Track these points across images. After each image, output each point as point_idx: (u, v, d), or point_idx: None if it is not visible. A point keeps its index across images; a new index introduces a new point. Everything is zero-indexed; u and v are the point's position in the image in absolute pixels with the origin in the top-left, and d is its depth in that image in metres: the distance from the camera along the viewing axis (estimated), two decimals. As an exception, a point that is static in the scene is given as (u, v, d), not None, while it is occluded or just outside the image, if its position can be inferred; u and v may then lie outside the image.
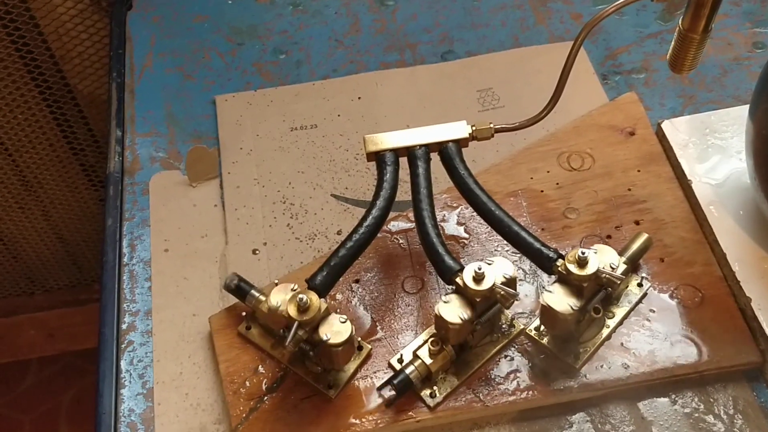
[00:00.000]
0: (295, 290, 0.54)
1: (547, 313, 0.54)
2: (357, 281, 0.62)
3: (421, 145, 0.60)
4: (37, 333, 1.38)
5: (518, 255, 0.61)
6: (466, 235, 0.64)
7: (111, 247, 0.67)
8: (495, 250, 0.63)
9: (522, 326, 0.58)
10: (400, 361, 0.57)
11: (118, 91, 0.78)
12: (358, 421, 0.55)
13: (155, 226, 0.68)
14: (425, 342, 0.56)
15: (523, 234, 0.56)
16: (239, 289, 0.58)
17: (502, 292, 0.52)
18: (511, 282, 0.54)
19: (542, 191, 0.66)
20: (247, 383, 0.57)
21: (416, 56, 0.79)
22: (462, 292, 0.53)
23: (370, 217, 0.57)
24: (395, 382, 0.54)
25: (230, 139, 0.73)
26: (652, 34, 0.79)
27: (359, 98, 0.76)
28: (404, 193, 0.63)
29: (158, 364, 0.60)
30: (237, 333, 0.59)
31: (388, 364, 0.58)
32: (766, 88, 0.55)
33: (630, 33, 0.79)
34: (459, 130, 0.61)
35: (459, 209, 0.65)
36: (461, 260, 0.55)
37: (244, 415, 0.56)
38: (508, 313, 0.59)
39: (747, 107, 0.58)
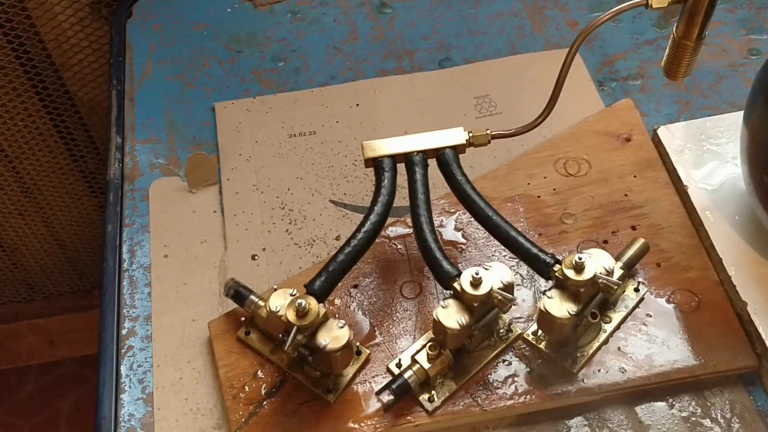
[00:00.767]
0: (294, 295, 0.54)
1: (544, 318, 0.54)
2: (356, 286, 0.62)
3: (418, 152, 0.60)
4: (37, 340, 1.38)
5: (515, 260, 0.62)
6: (464, 241, 0.64)
7: (111, 252, 0.67)
8: (492, 256, 0.63)
9: (520, 331, 0.59)
10: (399, 365, 0.57)
11: (118, 98, 0.78)
12: (356, 426, 0.55)
13: (155, 232, 0.68)
14: (423, 346, 0.56)
15: (521, 239, 0.56)
16: (238, 294, 0.59)
17: (500, 297, 0.53)
18: (508, 287, 0.54)
19: (539, 197, 0.66)
20: (247, 388, 0.57)
21: (414, 63, 0.80)
22: (460, 296, 0.53)
23: (369, 222, 0.58)
24: (394, 386, 0.54)
25: (229, 146, 0.74)
26: (648, 41, 0.79)
27: (357, 105, 0.76)
28: (402, 199, 0.63)
29: (158, 369, 0.61)
30: (236, 338, 0.60)
31: (386, 368, 0.58)
32: (760, 94, 0.56)
33: (626, 40, 0.80)
34: (456, 136, 0.61)
35: (456, 215, 0.66)
36: (459, 265, 0.55)
37: (243, 419, 0.56)
38: (506, 317, 0.59)
39: (742, 113, 0.59)
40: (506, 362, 0.58)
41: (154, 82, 0.80)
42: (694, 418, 0.56)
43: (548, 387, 0.56)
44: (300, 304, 0.52)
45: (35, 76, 0.97)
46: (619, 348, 0.58)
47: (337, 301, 0.62)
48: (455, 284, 0.53)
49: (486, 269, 0.53)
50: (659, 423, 0.56)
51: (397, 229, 0.65)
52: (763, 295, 0.58)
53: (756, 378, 0.58)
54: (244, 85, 0.79)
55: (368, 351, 0.59)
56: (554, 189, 0.67)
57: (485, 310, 0.54)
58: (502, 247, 0.58)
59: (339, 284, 0.57)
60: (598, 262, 0.54)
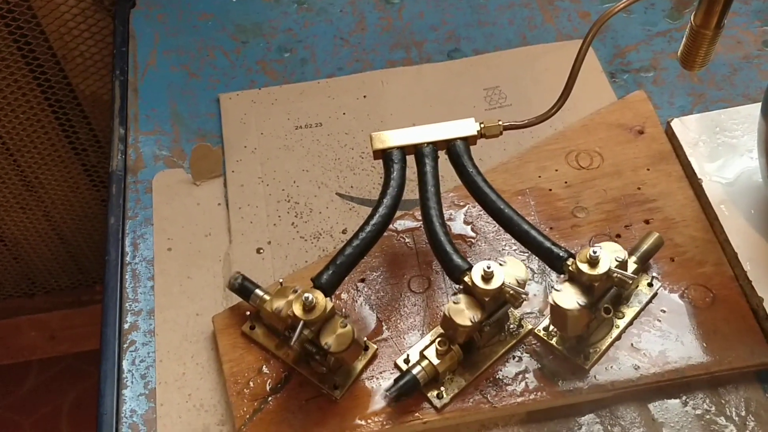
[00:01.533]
0: (300, 289, 0.53)
1: (556, 312, 0.53)
2: (363, 280, 0.61)
3: (428, 143, 0.59)
4: (38, 335, 1.38)
5: (526, 254, 0.61)
6: (473, 234, 0.63)
7: (113, 245, 0.66)
8: (503, 249, 0.62)
9: (531, 326, 0.57)
10: (407, 361, 0.56)
11: (121, 89, 0.77)
12: (364, 423, 0.54)
13: (158, 225, 0.67)
14: (432, 342, 0.55)
15: (533, 233, 0.55)
16: (243, 288, 0.58)
17: (512, 292, 0.52)
18: (522, 283, 0.53)
19: (551, 190, 0.65)
20: (251, 384, 0.56)
21: (423, 54, 0.78)
22: (470, 291, 0.52)
23: (377, 215, 0.57)
24: (402, 383, 0.53)
25: (234, 138, 0.73)
26: (661, 32, 0.78)
27: (365, 97, 0.75)
28: (410, 192, 0.62)
29: (161, 364, 0.60)
30: (241, 333, 0.59)
31: (394, 364, 0.57)
32: (779, 84, 0.55)
33: (638, 31, 0.78)
34: (467, 127, 0.60)
35: (466, 208, 0.65)
36: (468, 260, 0.54)
37: (248, 416, 0.55)
38: (517, 313, 0.58)
39: (757, 105, 0.58)
40: (517, 358, 0.57)
41: (158, 72, 0.79)
42: (708, 416, 0.55)
43: (559, 384, 0.55)
44: (307, 299, 0.51)
45: (37, 68, 0.96)
46: (632, 344, 0.57)
47: (344, 296, 0.60)
48: (466, 278, 0.52)
49: (501, 264, 0.52)
50: (672, 421, 0.55)
51: (406, 223, 0.64)
52: (780, 290, 0.57)
53: (772, 375, 0.57)
54: (249, 76, 0.78)
55: (375, 346, 0.57)
56: (566, 182, 0.65)
57: (497, 305, 0.53)
58: (512, 240, 0.57)
59: (346, 278, 0.55)
60: (612, 256, 0.53)
